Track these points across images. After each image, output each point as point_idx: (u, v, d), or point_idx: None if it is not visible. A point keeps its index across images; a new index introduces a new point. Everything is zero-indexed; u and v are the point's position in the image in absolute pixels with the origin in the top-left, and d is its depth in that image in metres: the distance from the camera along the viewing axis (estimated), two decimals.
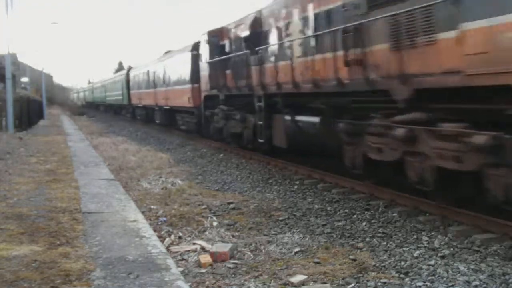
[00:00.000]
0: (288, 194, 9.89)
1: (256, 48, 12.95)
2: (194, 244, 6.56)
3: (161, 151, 17.57)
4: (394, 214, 7.84)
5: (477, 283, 5.09)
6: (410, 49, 7.27)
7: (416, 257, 5.94)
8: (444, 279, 5.23)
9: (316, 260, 5.90)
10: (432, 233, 6.83)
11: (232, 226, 7.49)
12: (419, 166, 7.57)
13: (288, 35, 11.44)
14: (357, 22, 8.42)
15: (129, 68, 38.68)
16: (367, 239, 6.76)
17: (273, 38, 12.29)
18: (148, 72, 30.19)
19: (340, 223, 7.62)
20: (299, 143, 12.01)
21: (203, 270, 5.67)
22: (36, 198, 8.35)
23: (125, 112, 42.15)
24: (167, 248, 6.21)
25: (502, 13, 5.68)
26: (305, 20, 10.57)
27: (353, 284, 5.16)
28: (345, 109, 9.58)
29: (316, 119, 10.54)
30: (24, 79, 58.14)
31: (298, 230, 7.29)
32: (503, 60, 5.70)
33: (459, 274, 5.34)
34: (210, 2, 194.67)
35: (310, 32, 10.34)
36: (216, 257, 5.95)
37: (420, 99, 7.35)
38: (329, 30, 9.36)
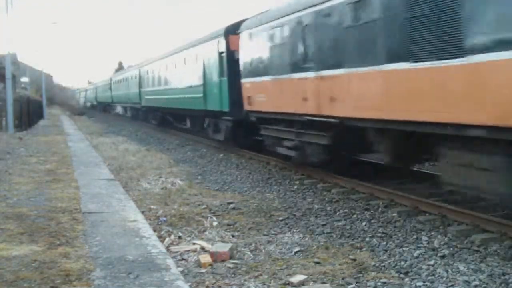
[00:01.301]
0: (288, 194, 9.90)
1: None
2: (194, 244, 6.56)
3: (161, 151, 17.58)
4: (394, 214, 7.85)
5: (477, 283, 5.10)
6: None
7: (416, 257, 5.94)
8: (444, 279, 5.24)
9: (316, 260, 5.90)
10: (432, 233, 6.83)
11: (232, 226, 7.50)
12: None
13: None
14: None
15: (229, 28, 15.53)
16: (367, 239, 6.76)
17: None
18: None
19: (340, 223, 7.62)
20: None
21: (203, 270, 5.67)
22: (36, 198, 8.35)
23: (214, 130, 17.73)
24: (167, 248, 6.22)
25: None
26: None
27: (353, 284, 5.17)
28: None
29: None
30: (24, 79, 58.10)
31: (298, 230, 7.29)
32: None
33: (459, 274, 5.35)
34: (210, 2, 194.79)
35: None
36: (216, 257, 5.95)
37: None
38: None
